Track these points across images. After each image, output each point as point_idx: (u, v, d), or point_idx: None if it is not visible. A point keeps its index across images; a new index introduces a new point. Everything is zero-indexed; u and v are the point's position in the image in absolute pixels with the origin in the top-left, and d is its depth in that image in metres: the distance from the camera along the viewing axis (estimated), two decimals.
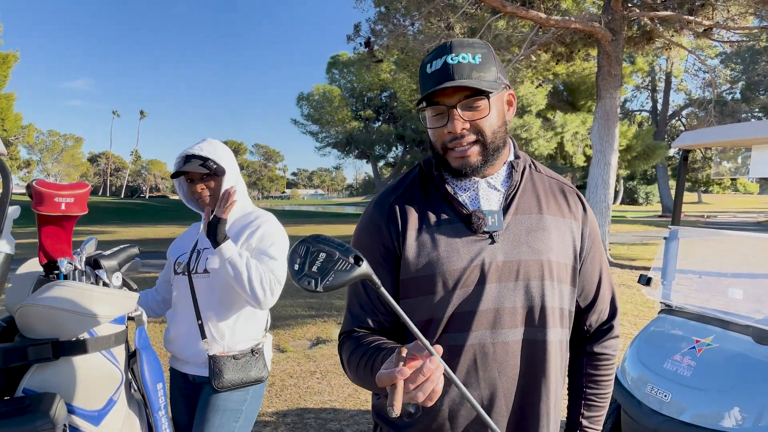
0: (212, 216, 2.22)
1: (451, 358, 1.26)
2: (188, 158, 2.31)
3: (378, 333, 1.34)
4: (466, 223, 1.30)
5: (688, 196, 61.20)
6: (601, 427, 1.48)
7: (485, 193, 1.34)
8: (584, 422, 1.46)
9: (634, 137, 24.22)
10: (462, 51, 1.25)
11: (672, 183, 38.68)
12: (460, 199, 1.33)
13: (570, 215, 1.39)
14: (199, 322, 2.29)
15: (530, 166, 1.43)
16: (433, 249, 1.28)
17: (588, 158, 21.88)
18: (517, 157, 1.41)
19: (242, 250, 2.26)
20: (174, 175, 2.36)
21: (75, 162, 79.64)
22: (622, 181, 53.06)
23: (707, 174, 37.80)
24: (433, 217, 1.32)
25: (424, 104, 1.30)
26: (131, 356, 2.20)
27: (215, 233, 2.18)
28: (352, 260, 1.01)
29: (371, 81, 41.25)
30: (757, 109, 36.15)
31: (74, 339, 1.88)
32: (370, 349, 1.24)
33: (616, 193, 52.90)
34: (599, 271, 1.45)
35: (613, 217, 15.16)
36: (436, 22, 14.17)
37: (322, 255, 1.02)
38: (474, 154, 1.29)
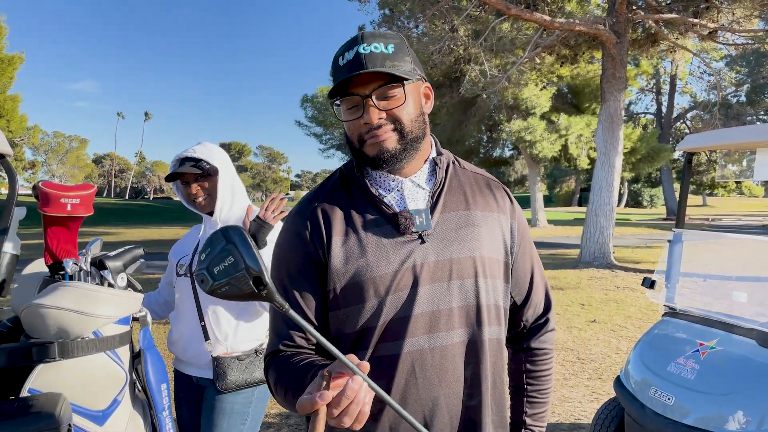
0: (255, 217, 2.21)
1: (388, 369, 1.20)
2: (182, 161, 2.33)
3: (306, 350, 1.26)
4: (393, 224, 1.24)
5: (692, 199, 61.05)
6: (545, 424, 1.45)
7: (411, 193, 1.29)
8: (528, 420, 1.43)
9: (639, 140, 24.17)
10: (374, 41, 1.21)
11: (677, 186, 38.56)
12: (385, 200, 1.28)
13: (498, 209, 1.35)
14: (202, 323, 2.29)
15: (454, 163, 1.39)
16: (360, 255, 1.22)
17: (592, 161, 21.85)
18: (439, 153, 1.37)
19: None
20: (168, 178, 2.37)
21: (80, 163, 79.96)
22: (626, 183, 52.94)
23: (712, 177, 37.73)
24: (358, 221, 1.25)
25: (339, 98, 1.24)
26: (135, 357, 2.21)
27: (256, 240, 2.17)
28: (251, 281, 0.93)
29: None
30: (762, 112, 36.07)
31: (79, 339, 1.89)
32: (299, 369, 1.16)
33: (621, 195, 52.79)
34: (531, 264, 1.42)
35: (617, 219, 15.13)
36: (441, 24, 14.19)
37: (230, 260, 0.94)
38: (391, 140, 1.23)
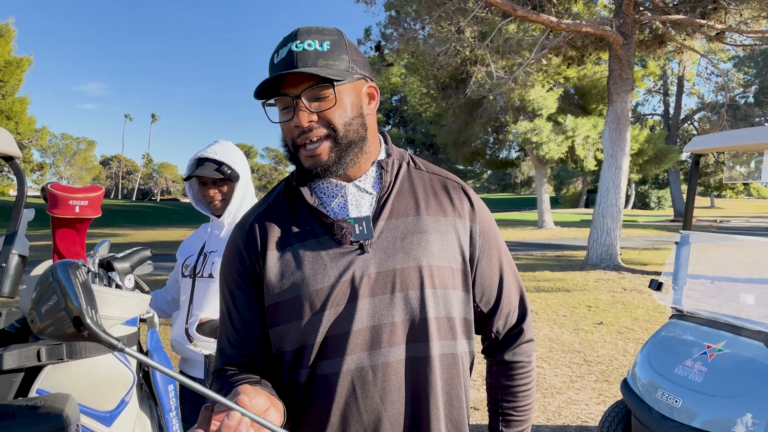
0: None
1: (328, 388, 1.14)
2: (202, 161, 2.31)
3: (249, 370, 1.20)
4: (331, 234, 1.17)
5: (701, 201, 60.75)
6: None
7: (354, 199, 1.21)
8: None
9: (646, 141, 24.08)
10: (308, 38, 1.14)
11: (684, 187, 38.41)
12: (325, 208, 1.21)
13: (454, 213, 1.24)
14: (186, 326, 2.32)
15: (408, 164, 1.29)
16: (296, 268, 1.15)
17: (599, 162, 21.77)
18: (388, 155, 1.27)
19: None
20: (187, 178, 2.37)
21: (87, 165, 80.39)
22: (633, 185, 52.73)
23: (720, 178, 37.52)
24: (296, 233, 1.19)
25: (271, 99, 1.18)
26: None
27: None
28: (71, 322, 0.88)
29: (381, 85, 41.29)
30: None
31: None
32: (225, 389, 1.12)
33: (628, 197, 52.58)
34: (499, 270, 1.30)
35: (624, 221, 15.08)
36: (447, 26, 14.19)
37: (54, 298, 0.90)
38: (325, 151, 1.16)
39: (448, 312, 1.20)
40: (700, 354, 2.93)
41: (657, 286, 3.54)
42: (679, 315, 3.38)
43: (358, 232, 1.17)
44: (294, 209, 1.22)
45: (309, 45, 1.13)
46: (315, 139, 1.15)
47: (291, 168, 1.26)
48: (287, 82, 1.14)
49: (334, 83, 1.13)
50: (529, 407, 1.34)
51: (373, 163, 1.25)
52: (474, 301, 1.28)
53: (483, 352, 1.38)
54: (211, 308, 2.31)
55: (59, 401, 1.74)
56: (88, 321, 0.87)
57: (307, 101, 1.13)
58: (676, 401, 2.79)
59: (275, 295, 1.17)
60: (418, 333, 1.16)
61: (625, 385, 3.23)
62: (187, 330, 2.31)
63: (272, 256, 1.18)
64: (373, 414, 1.14)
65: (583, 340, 6.63)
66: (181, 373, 2.46)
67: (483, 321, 1.32)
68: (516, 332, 1.33)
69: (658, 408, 2.87)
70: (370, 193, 1.22)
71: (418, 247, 1.17)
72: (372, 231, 1.17)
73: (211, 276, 2.33)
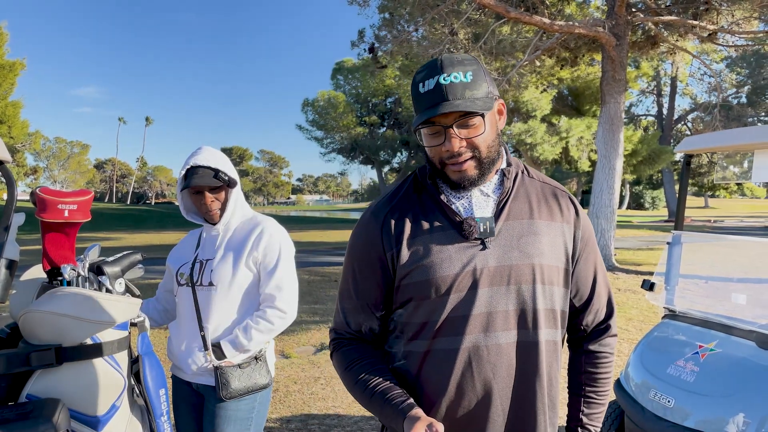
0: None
1: (447, 360, 1.31)
2: (195, 169, 2.27)
3: (368, 342, 1.44)
4: (458, 230, 1.33)
5: (695, 201, 60.96)
6: (600, 425, 1.52)
7: (478, 201, 1.37)
8: (584, 419, 1.50)
9: (640, 142, 24.18)
10: (453, 70, 1.27)
11: (678, 187, 38.49)
12: (453, 207, 1.37)
13: (562, 219, 1.42)
14: (202, 333, 2.29)
15: (523, 172, 1.46)
16: (426, 256, 1.32)
17: (593, 163, 21.85)
18: (509, 164, 1.44)
19: (240, 330, 2.28)
20: (185, 188, 2.30)
21: (81, 169, 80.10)
22: (628, 185, 52.93)
23: (713, 178, 37.67)
24: (426, 226, 1.35)
25: (421, 125, 1.33)
26: (134, 362, 2.21)
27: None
28: None
29: (376, 87, 41.35)
30: (763, 113, 36.05)
31: (77, 345, 1.89)
32: (378, 390, 1.33)
33: (622, 198, 52.72)
34: (593, 272, 1.48)
35: (618, 222, 15.13)
36: (440, 27, 14.21)
37: None
38: (471, 168, 1.33)
39: (552, 305, 1.37)
40: (692, 354, 2.94)
41: (649, 286, 3.55)
42: (672, 315, 3.39)
43: (482, 230, 1.33)
44: (424, 204, 1.39)
45: (455, 77, 1.27)
46: (462, 161, 1.32)
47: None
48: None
49: (485, 113, 1.29)
50: (608, 392, 1.53)
51: (497, 171, 1.41)
52: (569, 295, 1.45)
53: (568, 342, 1.54)
54: (218, 317, 2.29)
55: (49, 406, 1.74)
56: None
57: (458, 128, 1.29)
58: (669, 401, 2.79)
59: (406, 278, 1.34)
60: (527, 321, 1.34)
61: (619, 386, 3.24)
62: (205, 341, 2.28)
63: (405, 244, 1.35)
64: (485, 385, 1.32)
65: None
66: (175, 377, 2.44)
67: (575, 314, 1.49)
68: (604, 327, 1.52)
69: (651, 408, 2.88)
70: (491, 197, 1.39)
71: (531, 247, 1.35)
72: (494, 230, 1.34)
73: (211, 284, 2.30)
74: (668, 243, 3.67)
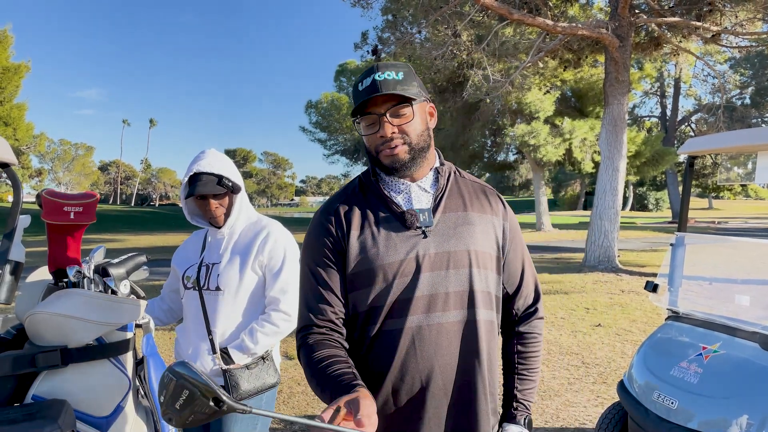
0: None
1: (392, 340, 1.43)
2: (199, 176, 2.28)
3: (334, 331, 1.48)
4: (401, 221, 1.48)
5: (698, 202, 60.77)
6: (533, 399, 1.65)
7: (417, 195, 1.53)
8: (518, 395, 1.62)
9: (643, 143, 24.12)
10: (387, 70, 1.45)
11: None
12: (395, 200, 1.52)
13: (492, 212, 1.58)
14: (210, 337, 2.30)
15: (455, 173, 1.62)
16: (373, 245, 1.46)
17: (596, 164, 21.79)
18: (442, 164, 1.61)
19: (247, 334, 2.30)
20: (189, 196, 2.31)
21: (86, 171, 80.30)
22: (631, 187, 52.82)
23: (716, 180, 37.56)
24: (372, 218, 1.50)
25: (359, 116, 1.49)
26: (139, 363, 2.22)
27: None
28: (212, 403, 1.05)
29: None
30: (767, 115, 35.93)
31: (83, 346, 1.90)
32: (332, 368, 1.37)
33: (626, 199, 52.63)
34: (521, 260, 1.64)
35: (622, 223, 15.09)
36: (443, 29, 14.22)
37: (186, 392, 1.05)
38: (402, 151, 1.48)
39: (488, 287, 1.52)
40: (695, 355, 2.94)
41: (653, 287, 3.55)
42: (675, 316, 3.39)
43: (422, 219, 1.48)
44: (369, 200, 1.53)
45: (389, 75, 1.45)
46: (394, 145, 1.47)
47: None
48: (373, 102, 1.46)
49: (412, 102, 1.46)
50: (538, 370, 1.67)
51: (431, 169, 1.58)
52: (501, 282, 1.59)
53: (501, 327, 1.66)
54: (225, 321, 2.31)
55: (55, 407, 1.75)
56: (225, 398, 1.06)
57: (390, 117, 1.46)
58: (672, 402, 2.79)
59: (355, 266, 1.47)
60: (466, 301, 1.48)
61: (622, 387, 3.24)
62: (213, 345, 2.30)
63: (354, 234, 1.48)
64: (427, 363, 1.44)
65: (581, 342, 6.64)
66: None
67: (507, 300, 1.63)
68: (533, 310, 1.66)
69: (655, 409, 2.87)
70: (428, 192, 1.55)
71: (467, 235, 1.50)
72: (432, 220, 1.49)
73: (218, 289, 2.31)
74: (672, 244, 3.67)
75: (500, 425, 1.59)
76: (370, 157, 1.55)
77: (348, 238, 1.48)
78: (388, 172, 1.51)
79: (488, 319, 1.52)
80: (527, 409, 1.62)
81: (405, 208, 1.50)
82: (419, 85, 1.50)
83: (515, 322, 1.65)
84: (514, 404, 1.61)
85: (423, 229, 1.47)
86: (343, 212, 1.52)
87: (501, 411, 1.63)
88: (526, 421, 1.60)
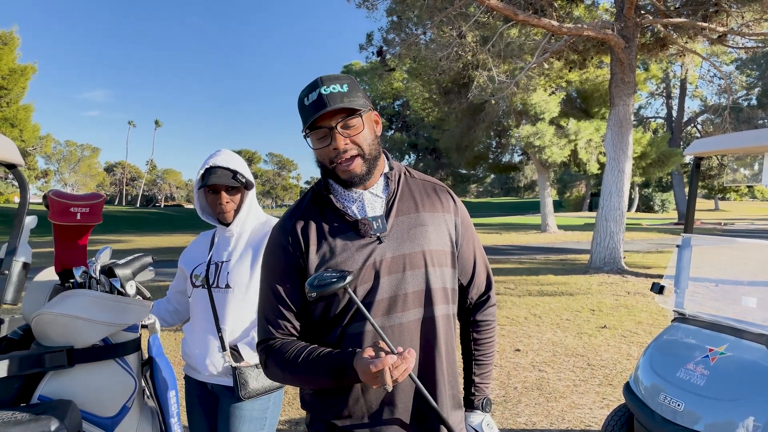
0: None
1: (356, 343, 1.48)
2: (214, 169, 2.31)
3: (295, 338, 1.55)
4: (355, 230, 1.53)
5: (705, 204, 60.56)
6: (490, 382, 1.79)
7: (370, 202, 1.57)
8: (476, 379, 1.76)
9: (649, 144, 24.05)
10: (331, 83, 1.48)
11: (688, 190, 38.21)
12: (349, 211, 1.56)
13: (443, 210, 1.64)
14: (220, 335, 2.31)
15: (405, 174, 1.67)
16: (331, 257, 1.50)
17: (602, 166, 21.76)
18: (391, 168, 1.65)
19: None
20: (202, 186, 2.34)
21: (92, 172, 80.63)
22: (637, 188, 52.66)
23: (723, 181, 37.42)
24: (328, 230, 1.54)
25: (308, 131, 1.51)
26: (145, 364, 2.23)
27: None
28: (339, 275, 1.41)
29: (384, 90, 41.41)
30: None
31: (89, 346, 1.91)
32: (316, 352, 1.46)
33: (632, 200, 52.45)
34: (473, 252, 1.72)
35: (627, 224, 15.05)
36: (448, 30, 14.22)
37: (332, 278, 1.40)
38: (358, 166, 1.52)
39: (444, 284, 1.58)
40: (702, 357, 2.93)
41: (659, 289, 3.53)
42: (681, 318, 3.37)
43: (376, 227, 1.53)
44: (323, 213, 1.57)
45: (334, 88, 1.47)
46: (349, 157, 1.50)
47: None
48: (322, 117, 1.47)
49: (362, 113, 1.50)
50: (493, 354, 1.80)
51: (381, 174, 1.62)
52: (456, 275, 1.67)
53: (458, 315, 1.74)
54: (234, 319, 2.32)
55: (61, 407, 1.75)
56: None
57: (341, 129, 1.48)
58: (679, 405, 2.78)
59: None
60: (424, 300, 1.54)
61: (628, 389, 3.23)
62: (223, 342, 2.30)
63: (313, 250, 1.52)
64: None
65: (586, 343, 6.62)
66: (189, 378, 2.46)
67: (461, 291, 1.72)
68: (485, 298, 1.77)
69: (661, 412, 2.86)
70: (380, 198, 1.59)
71: (420, 236, 1.55)
72: (386, 226, 1.54)
73: (228, 286, 2.32)
74: (678, 246, 3.66)
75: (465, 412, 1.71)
76: (324, 169, 1.57)
77: (307, 254, 1.51)
78: (347, 186, 1.55)
79: (445, 313, 1.58)
80: (484, 391, 1.76)
81: (359, 217, 1.54)
82: (363, 95, 1.55)
83: (470, 311, 1.76)
84: (473, 389, 1.75)
85: (378, 235, 1.52)
86: (299, 228, 1.55)
87: (463, 393, 1.75)
88: (484, 403, 1.75)
